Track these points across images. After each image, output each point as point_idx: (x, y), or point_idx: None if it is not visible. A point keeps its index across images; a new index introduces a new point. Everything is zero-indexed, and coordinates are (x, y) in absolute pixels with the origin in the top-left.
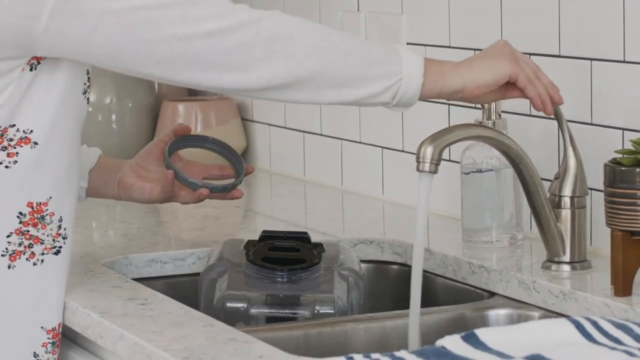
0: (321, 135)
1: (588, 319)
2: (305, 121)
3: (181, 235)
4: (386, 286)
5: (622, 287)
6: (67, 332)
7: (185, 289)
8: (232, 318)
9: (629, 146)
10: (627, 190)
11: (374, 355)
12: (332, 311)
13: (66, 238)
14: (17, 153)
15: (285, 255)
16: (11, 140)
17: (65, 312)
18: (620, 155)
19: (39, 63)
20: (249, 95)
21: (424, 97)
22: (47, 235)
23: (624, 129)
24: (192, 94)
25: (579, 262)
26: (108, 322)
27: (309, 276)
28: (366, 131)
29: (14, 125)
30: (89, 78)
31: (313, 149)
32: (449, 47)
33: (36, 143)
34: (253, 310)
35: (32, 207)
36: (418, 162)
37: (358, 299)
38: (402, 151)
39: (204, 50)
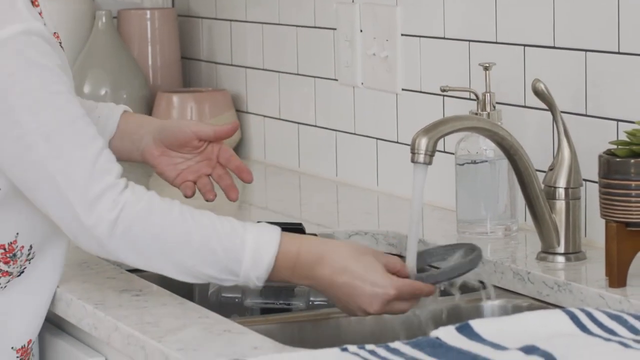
0: (316, 126)
1: (582, 310)
2: (300, 113)
3: None
4: None
5: (616, 278)
6: (62, 323)
7: (180, 281)
8: (227, 309)
9: (623, 137)
10: (622, 182)
11: (369, 347)
12: (327, 302)
13: (32, 258)
14: None
15: None
16: None
17: (59, 304)
18: (615, 147)
19: None
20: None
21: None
22: (17, 267)
23: (618, 120)
24: (186, 85)
25: (574, 253)
26: (102, 313)
27: None
28: (361, 123)
29: None
30: None
31: (308, 140)
32: (444, 38)
33: (0, 189)
34: (248, 302)
35: (4, 249)
36: (412, 153)
37: None
38: (397, 142)
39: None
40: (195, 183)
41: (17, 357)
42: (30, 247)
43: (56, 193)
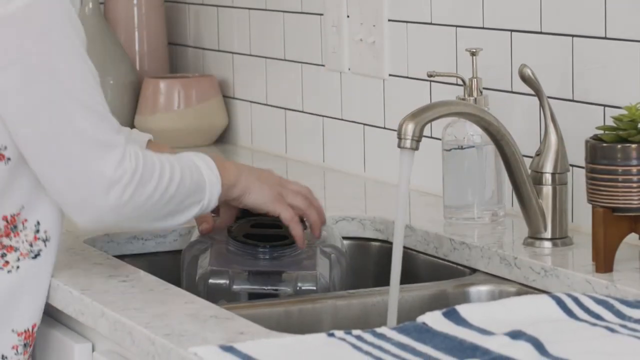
0: (303, 112)
1: (569, 295)
2: (287, 98)
3: None
4: (367, 263)
5: (603, 264)
6: (49, 309)
7: (167, 266)
8: (214, 294)
9: (610, 122)
10: (608, 167)
11: (355, 332)
12: (314, 288)
13: (48, 240)
14: None
15: (268, 232)
16: None
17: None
18: (602, 132)
19: None
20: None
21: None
22: (22, 242)
23: (605, 105)
24: (173, 71)
25: (560, 238)
26: (89, 299)
27: (292, 253)
28: (348, 108)
29: None
30: None
31: (295, 126)
32: (431, 24)
33: (9, 159)
34: (235, 287)
35: (7, 220)
36: (399, 138)
37: (340, 276)
38: (384, 128)
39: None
40: None
41: (19, 340)
42: (38, 223)
43: (83, 147)
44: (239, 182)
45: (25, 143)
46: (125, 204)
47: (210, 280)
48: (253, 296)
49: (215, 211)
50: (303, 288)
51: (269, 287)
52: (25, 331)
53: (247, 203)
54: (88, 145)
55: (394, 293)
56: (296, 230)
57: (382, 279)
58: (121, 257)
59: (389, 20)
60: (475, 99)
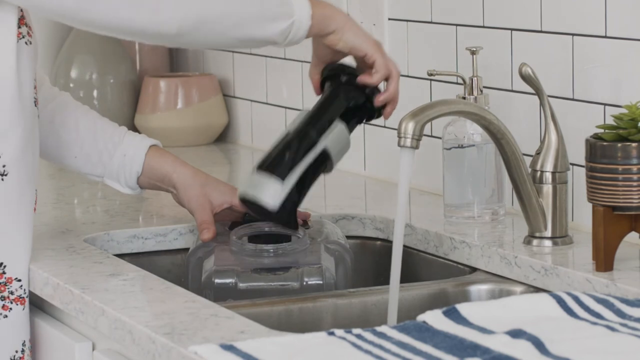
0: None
1: (569, 294)
2: (287, 97)
3: (163, 211)
4: (368, 262)
5: (603, 262)
6: (48, 307)
7: (167, 265)
8: (222, 294)
9: (610, 121)
10: (608, 166)
11: (355, 331)
12: (321, 282)
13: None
14: None
15: (271, 232)
16: None
17: (46, 288)
18: (602, 131)
19: None
20: (158, 41)
21: (306, 37)
22: None
23: (605, 104)
24: (173, 69)
25: (561, 237)
26: (89, 297)
27: (296, 249)
28: None
29: None
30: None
31: None
32: (431, 22)
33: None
34: (241, 285)
35: None
36: (399, 137)
37: (345, 273)
38: (384, 127)
39: None
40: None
41: None
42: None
43: None
44: (336, 16)
45: None
46: None
47: (217, 280)
48: (259, 294)
49: (219, 214)
50: (309, 283)
51: (276, 283)
52: None
53: (345, 41)
54: None
55: (394, 292)
56: (393, 85)
57: (383, 278)
58: (121, 255)
59: (389, 19)
60: (476, 97)
